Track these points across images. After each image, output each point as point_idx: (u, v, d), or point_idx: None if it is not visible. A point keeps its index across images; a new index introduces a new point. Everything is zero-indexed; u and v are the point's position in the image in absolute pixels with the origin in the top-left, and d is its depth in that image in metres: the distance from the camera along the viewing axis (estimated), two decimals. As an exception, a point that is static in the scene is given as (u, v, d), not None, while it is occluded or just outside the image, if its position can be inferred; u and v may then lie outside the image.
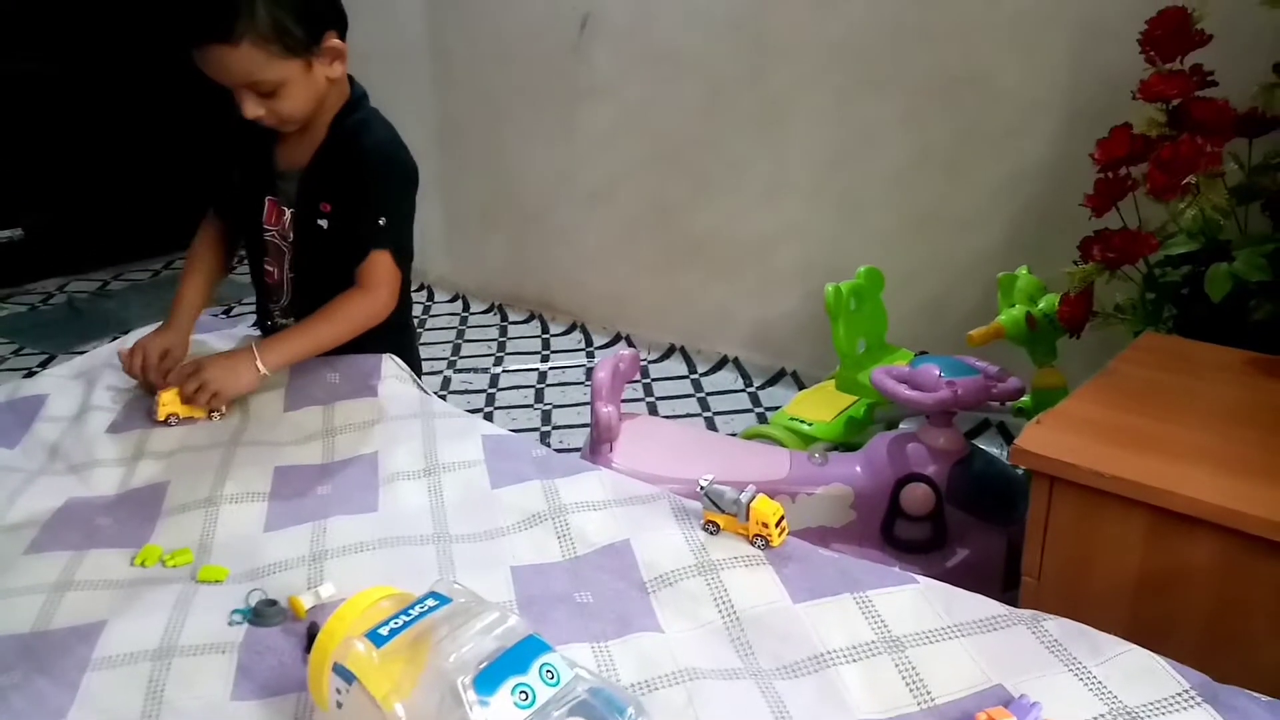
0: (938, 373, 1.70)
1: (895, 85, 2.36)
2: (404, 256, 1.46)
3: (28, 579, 1.01)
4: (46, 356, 3.08)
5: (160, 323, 1.50)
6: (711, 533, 1.02)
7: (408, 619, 0.75)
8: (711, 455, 1.82)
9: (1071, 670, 0.83)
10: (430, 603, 0.77)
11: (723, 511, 1.01)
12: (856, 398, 2.10)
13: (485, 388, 2.83)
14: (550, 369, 2.95)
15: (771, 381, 2.76)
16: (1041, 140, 2.19)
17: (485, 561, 1.01)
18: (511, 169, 3.26)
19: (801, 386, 2.66)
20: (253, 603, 0.95)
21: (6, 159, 3.56)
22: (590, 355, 3.05)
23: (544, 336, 3.21)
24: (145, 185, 3.96)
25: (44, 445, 1.30)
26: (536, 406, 2.69)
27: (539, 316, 3.32)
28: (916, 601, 0.90)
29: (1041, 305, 1.82)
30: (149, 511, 1.13)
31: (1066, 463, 1.10)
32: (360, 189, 1.40)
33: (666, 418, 2.56)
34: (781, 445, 2.02)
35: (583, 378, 2.87)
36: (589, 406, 2.63)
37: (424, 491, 1.15)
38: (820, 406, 2.14)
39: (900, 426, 2.13)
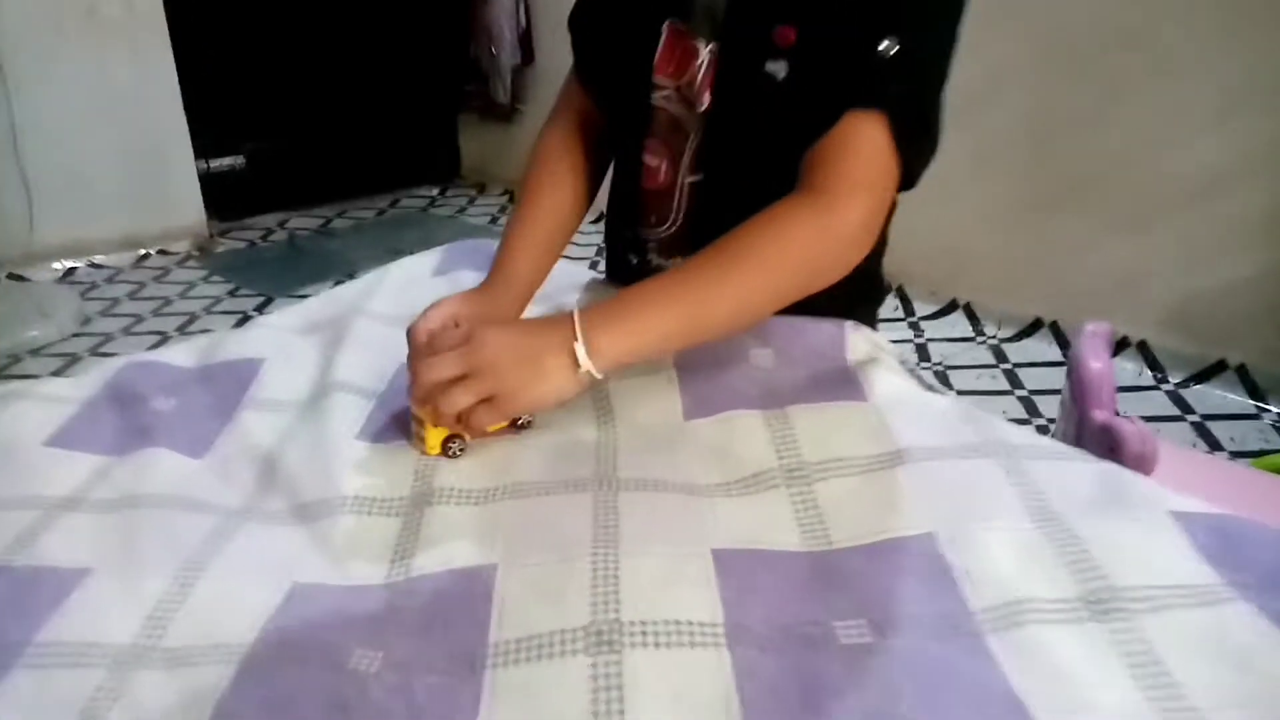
0: None
1: None
2: (923, 136, 0.76)
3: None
4: (264, 299, 2.68)
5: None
6: None
7: None
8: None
9: None
10: None
11: None
12: None
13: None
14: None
15: (1202, 377, 1.99)
16: None
17: None
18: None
19: (1253, 385, 1.87)
20: None
21: (231, 79, 3.19)
22: (914, 327, 2.35)
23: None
24: (377, 115, 3.55)
25: (252, 457, 0.72)
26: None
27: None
28: None
29: None
30: (468, 636, 0.52)
31: None
32: None
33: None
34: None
35: (910, 356, 2.19)
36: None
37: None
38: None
39: None
